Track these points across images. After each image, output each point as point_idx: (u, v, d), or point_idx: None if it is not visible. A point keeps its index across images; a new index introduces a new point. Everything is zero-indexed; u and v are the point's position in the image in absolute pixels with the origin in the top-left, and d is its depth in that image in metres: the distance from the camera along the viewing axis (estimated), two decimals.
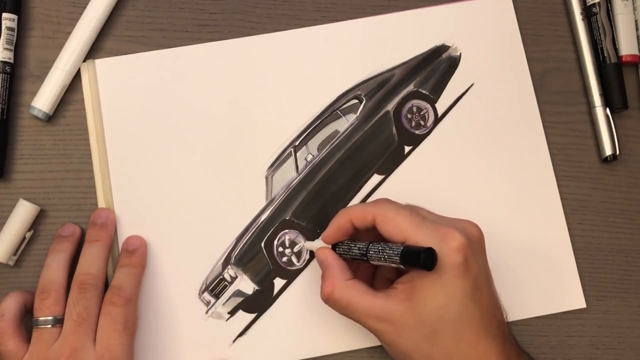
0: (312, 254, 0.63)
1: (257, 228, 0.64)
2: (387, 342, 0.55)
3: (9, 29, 0.64)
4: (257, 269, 0.63)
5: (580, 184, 0.66)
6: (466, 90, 0.66)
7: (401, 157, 0.65)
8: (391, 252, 0.53)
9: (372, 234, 0.57)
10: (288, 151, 0.65)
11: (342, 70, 0.66)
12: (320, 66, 0.66)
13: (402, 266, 0.52)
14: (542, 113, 0.67)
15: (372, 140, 0.65)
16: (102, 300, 0.58)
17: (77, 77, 0.65)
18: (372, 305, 0.54)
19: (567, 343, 0.64)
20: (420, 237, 0.53)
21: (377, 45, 0.67)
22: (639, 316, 0.65)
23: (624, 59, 0.67)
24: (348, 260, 0.58)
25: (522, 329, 0.59)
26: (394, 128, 0.66)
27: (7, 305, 0.58)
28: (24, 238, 0.62)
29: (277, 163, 0.65)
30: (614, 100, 0.67)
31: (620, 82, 0.67)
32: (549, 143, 0.66)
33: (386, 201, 0.57)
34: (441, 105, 0.66)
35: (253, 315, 0.63)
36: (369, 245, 0.55)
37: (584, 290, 0.64)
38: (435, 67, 0.67)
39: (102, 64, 0.65)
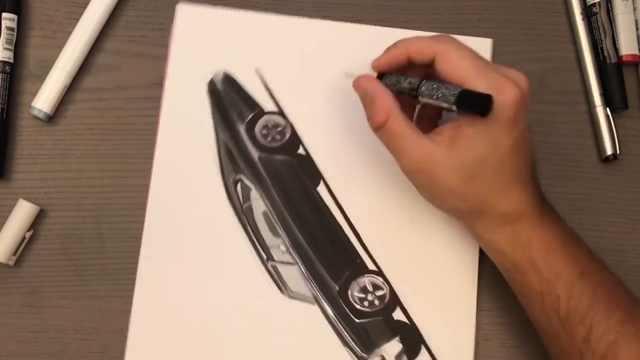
0: None
1: (333, 318, 0.63)
2: (423, 184, 0.56)
3: (9, 29, 0.64)
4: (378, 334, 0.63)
5: (580, 184, 0.66)
6: None
7: (317, 175, 0.65)
8: (447, 91, 0.52)
9: (419, 72, 0.57)
10: (270, 265, 0.64)
11: None
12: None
13: (454, 107, 0.52)
14: (542, 113, 0.67)
15: (282, 181, 0.65)
16: None
17: (77, 77, 0.65)
18: (418, 144, 0.54)
19: None
20: (479, 86, 0.52)
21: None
22: None
23: (624, 59, 0.67)
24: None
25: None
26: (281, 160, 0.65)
27: None
28: (24, 238, 0.62)
29: (277, 263, 0.64)
30: (614, 100, 0.67)
31: (620, 81, 0.67)
32: (549, 143, 0.66)
33: (449, 39, 0.56)
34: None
35: None
36: (422, 80, 0.54)
37: None
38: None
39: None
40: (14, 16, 0.64)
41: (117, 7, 0.66)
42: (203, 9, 0.67)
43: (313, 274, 0.63)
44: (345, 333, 0.62)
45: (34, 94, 0.64)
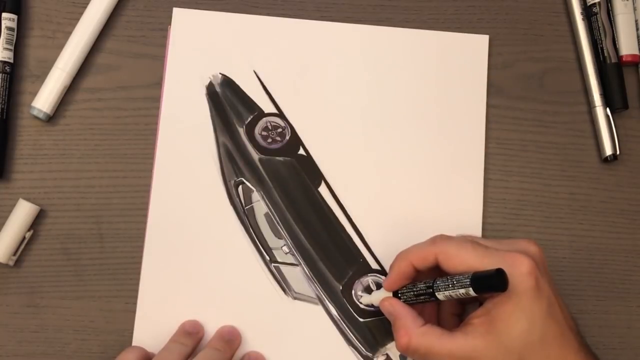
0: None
1: (338, 319, 0.63)
2: None
3: (9, 29, 0.64)
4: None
5: (580, 184, 0.66)
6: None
7: (318, 176, 0.65)
8: (461, 277, 0.53)
9: (428, 275, 0.57)
10: (273, 266, 0.64)
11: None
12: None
13: (471, 290, 0.52)
14: (542, 113, 0.67)
15: (287, 187, 0.65)
16: None
17: (77, 77, 0.65)
18: (453, 346, 0.53)
19: None
20: (489, 267, 0.52)
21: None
22: (639, 316, 0.65)
23: (624, 59, 0.67)
24: (411, 303, 0.57)
25: None
26: (271, 158, 0.65)
27: (128, 356, 0.59)
28: (24, 238, 0.62)
29: (281, 264, 0.64)
30: (614, 100, 0.67)
31: (620, 82, 0.67)
32: (549, 143, 0.67)
33: (444, 238, 0.57)
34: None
35: None
36: (435, 280, 0.55)
37: (584, 290, 0.65)
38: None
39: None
40: (14, 16, 0.64)
41: (117, 7, 0.66)
42: (199, 13, 0.67)
43: (316, 275, 0.63)
44: (350, 332, 0.62)
45: (34, 94, 0.64)
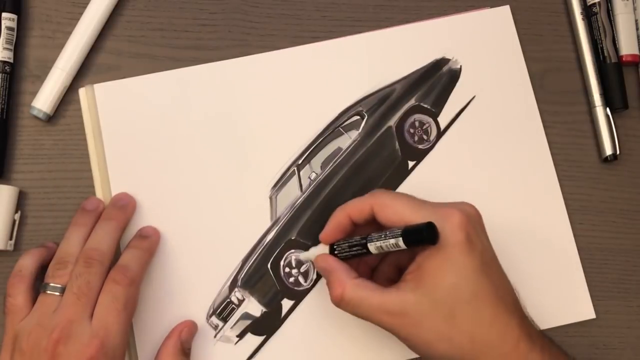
0: (319, 275, 0.63)
1: (262, 249, 0.63)
2: (405, 336, 0.54)
3: (9, 28, 0.64)
4: (264, 290, 0.63)
5: (580, 184, 0.67)
6: (468, 103, 0.66)
7: (405, 173, 0.65)
8: (391, 234, 0.53)
9: (368, 229, 0.57)
10: (291, 170, 0.64)
11: (344, 86, 0.66)
12: (323, 82, 0.66)
13: (401, 242, 0.52)
14: (542, 113, 0.67)
15: (376, 157, 0.65)
16: (105, 277, 0.57)
17: (77, 77, 0.65)
18: (385, 300, 0.53)
19: (567, 343, 0.63)
20: (419, 219, 0.53)
21: (378, 60, 0.67)
22: (639, 316, 0.65)
23: (624, 59, 0.67)
24: (345, 256, 0.57)
25: None
26: (397, 143, 0.65)
27: (25, 262, 0.58)
28: (14, 221, 0.62)
29: (281, 182, 0.64)
30: (614, 100, 0.67)
31: (620, 81, 0.67)
32: (549, 143, 0.67)
33: (382, 191, 0.58)
34: (443, 118, 0.66)
35: (262, 338, 0.62)
36: (367, 235, 0.55)
37: None
38: (435, 81, 0.66)
39: (101, 89, 0.64)
40: (14, 16, 0.64)
41: (117, 7, 0.66)
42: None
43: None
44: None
45: (34, 94, 0.64)
